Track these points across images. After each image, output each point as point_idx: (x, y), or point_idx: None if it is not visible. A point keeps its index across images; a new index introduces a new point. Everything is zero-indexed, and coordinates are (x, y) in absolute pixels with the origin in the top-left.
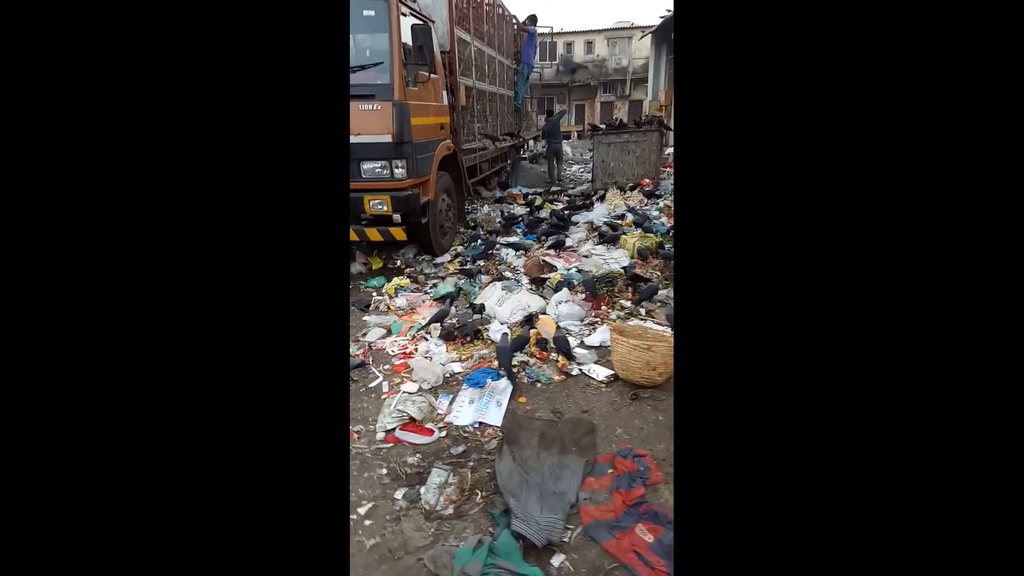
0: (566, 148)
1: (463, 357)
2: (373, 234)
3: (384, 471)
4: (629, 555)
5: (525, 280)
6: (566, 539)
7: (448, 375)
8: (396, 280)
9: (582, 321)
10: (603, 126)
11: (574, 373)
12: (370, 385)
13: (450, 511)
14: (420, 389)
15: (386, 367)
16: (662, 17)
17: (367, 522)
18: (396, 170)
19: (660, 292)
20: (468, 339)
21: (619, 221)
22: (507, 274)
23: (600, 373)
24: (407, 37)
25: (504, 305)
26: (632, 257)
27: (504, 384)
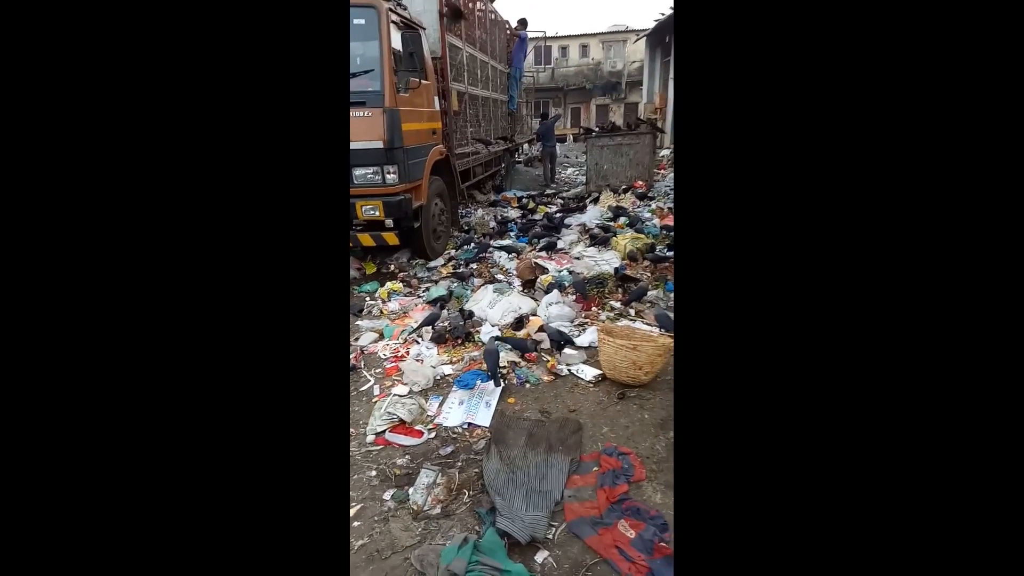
0: (557, 150)
1: (454, 359)
2: (366, 239)
3: (373, 473)
4: (611, 550)
5: (517, 282)
6: (550, 536)
7: (439, 377)
8: (389, 284)
9: (572, 322)
10: (596, 129)
11: (563, 374)
12: (361, 389)
13: (437, 511)
14: (411, 392)
15: (378, 371)
16: (656, 20)
17: (355, 523)
18: (388, 175)
19: (649, 293)
20: (459, 342)
21: (611, 223)
22: (499, 277)
23: (588, 373)
24: (397, 44)
25: (495, 307)
26: (623, 259)
27: (493, 385)
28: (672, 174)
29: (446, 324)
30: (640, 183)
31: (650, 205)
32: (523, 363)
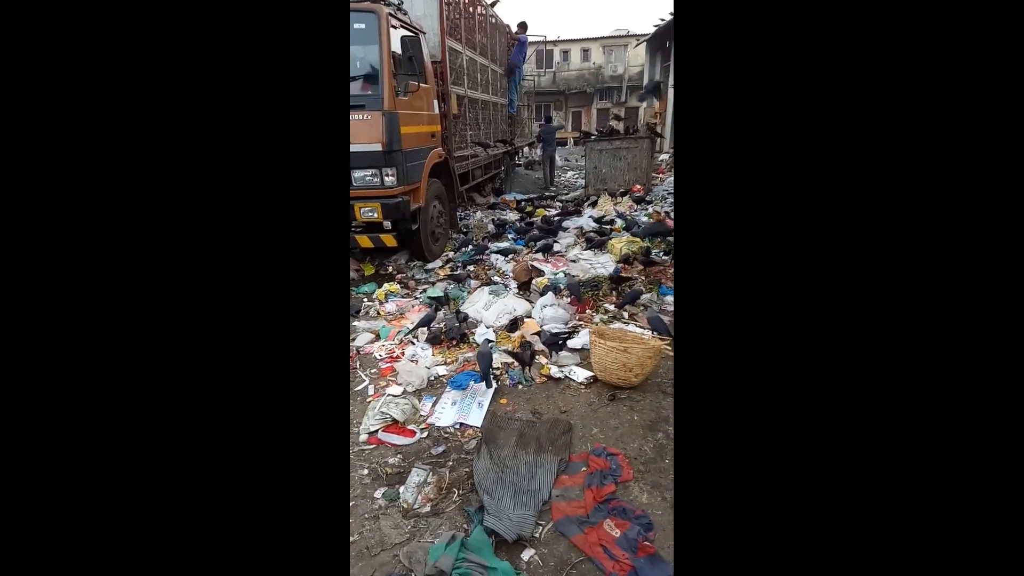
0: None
1: (448, 360)
2: (364, 240)
3: (365, 471)
4: (596, 549)
5: (513, 284)
6: (536, 534)
7: (433, 378)
8: (387, 286)
9: (566, 324)
10: (595, 133)
11: (556, 376)
12: (356, 388)
13: (427, 509)
14: (404, 392)
15: (373, 371)
16: (656, 25)
17: None
18: (386, 178)
19: (643, 296)
20: (454, 343)
21: (608, 226)
22: (496, 279)
23: (581, 375)
24: (397, 48)
25: (491, 309)
26: (618, 262)
27: (485, 387)
28: (671, 178)
29: (442, 325)
30: (638, 187)
31: (647, 209)
32: (517, 365)
